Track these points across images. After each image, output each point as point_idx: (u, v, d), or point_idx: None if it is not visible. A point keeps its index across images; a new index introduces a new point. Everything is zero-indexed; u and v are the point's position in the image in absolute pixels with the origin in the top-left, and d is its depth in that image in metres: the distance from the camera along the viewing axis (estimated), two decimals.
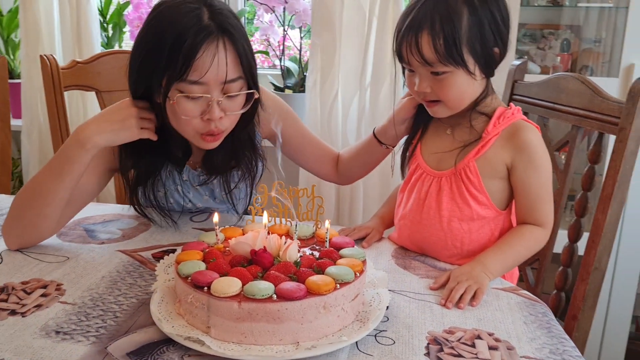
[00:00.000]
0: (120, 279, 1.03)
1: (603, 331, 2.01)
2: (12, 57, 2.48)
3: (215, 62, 1.04)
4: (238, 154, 1.25)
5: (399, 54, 1.09)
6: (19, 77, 2.42)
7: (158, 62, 1.04)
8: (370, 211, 2.02)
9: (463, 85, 1.07)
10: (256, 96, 1.14)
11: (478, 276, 1.01)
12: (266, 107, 1.25)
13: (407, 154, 1.22)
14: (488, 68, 1.08)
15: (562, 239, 1.28)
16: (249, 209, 1.12)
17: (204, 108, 1.08)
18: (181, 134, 1.14)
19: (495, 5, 1.05)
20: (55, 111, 1.65)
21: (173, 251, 1.14)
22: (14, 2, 2.43)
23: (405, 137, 1.25)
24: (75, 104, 2.21)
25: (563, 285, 1.27)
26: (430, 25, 1.02)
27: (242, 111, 1.14)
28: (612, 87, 1.78)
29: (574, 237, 1.26)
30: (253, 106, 1.17)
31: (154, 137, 1.14)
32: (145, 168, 1.22)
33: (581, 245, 1.25)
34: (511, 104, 1.13)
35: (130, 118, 1.10)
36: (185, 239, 1.21)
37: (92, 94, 1.77)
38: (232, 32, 1.07)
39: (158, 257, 1.12)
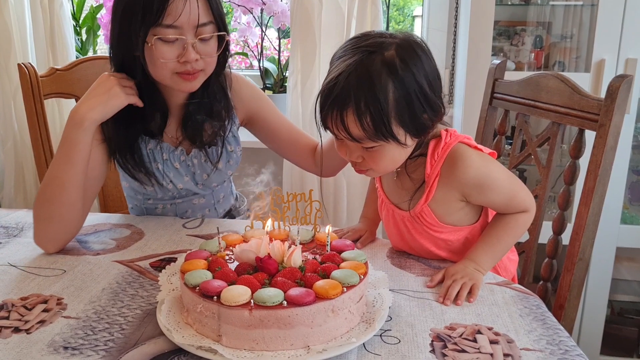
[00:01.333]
0: (121, 290, 1.03)
1: (581, 316, 2.08)
2: None
3: (187, 7, 1.13)
4: (212, 109, 1.31)
5: (325, 125, 1.03)
6: None
7: (135, 13, 1.13)
8: (354, 210, 2.05)
9: (395, 155, 1.03)
10: (227, 38, 1.23)
11: (472, 273, 1.05)
12: (242, 89, 1.37)
13: None
14: (419, 133, 1.02)
15: (546, 231, 1.33)
16: (246, 215, 1.14)
17: (180, 51, 1.16)
18: (160, 80, 1.20)
19: (420, 70, 0.98)
20: (36, 120, 1.63)
21: (170, 259, 1.15)
22: None
23: None
24: (50, 112, 2.17)
25: (549, 276, 1.32)
26: (355, 104, 0.96)
27: (216, 55, 1.22)
28: (584, 82, 1.84)
29: (558, 229, 1.31)
30: (225, 51, 1.25)
31: (140, 103, 1.21)
32: (129, 133, 1.27)
33: (565, 237, 1.30)
34: (441, 132, 1.07)
35: (113, 86, 1.17)
36: (181, 247, 1.22)
37: (69, 101, 1.75)
38: None
39: (156, 267, 1.12)
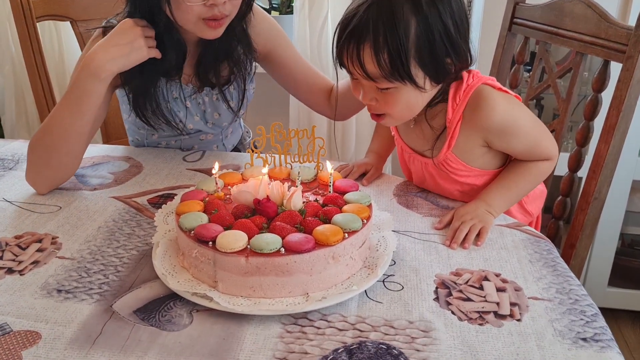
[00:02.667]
0: (117, 229, 1.00)
1: (591, 247, 2.05)
2: None
3: None
4: (232, 51, 1.24)
5: (340, 61, 0.96)
6: None
7: None
8: (363, 146, 1.99)
9: (411, 100, 0.97)
10: None
11: (482, 215, 1.00)
12: (259, 24, 1.27)
13: None
14: (440, 78, 0.96)
15: (561, 163, 1.26)
16: (247, 151, 1.08)
17: None
18: (184, 25, 1.11)
19: (447, 8, 0.90)
20: (29, 44, 1.55)
21: (169, 196, 1.12)
22: None
23: None
24: (48, 36, 2.08)
25: (561, 214, 1.27)
26: (373, 38, 0.89)
27: None
28: (611, 5, 1.71)
29: (574, 166, 1.24)
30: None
31: (159, 55, 1.13)
32: (145, 79, 1.20)
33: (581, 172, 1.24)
34: (462, 73, 1.00)
35: (138, 38, 1.08)
36: (180, 182, 1.18)
37: (66, 24, 1.67)
38: None
39: (154, 203, 1.09)
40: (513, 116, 1.00)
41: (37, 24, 1.58)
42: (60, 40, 2.09)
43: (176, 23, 1.11)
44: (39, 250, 0.94)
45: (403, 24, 0.88)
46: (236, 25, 1.19)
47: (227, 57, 1.24)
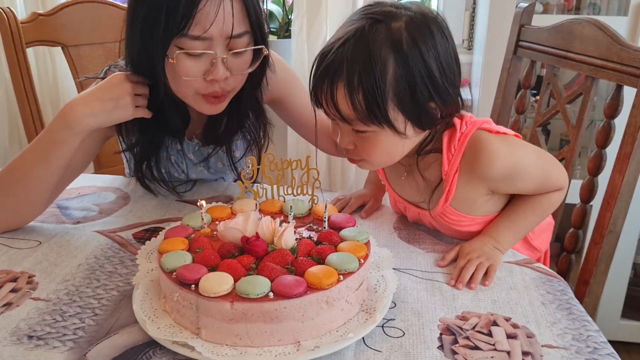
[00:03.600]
0: (98, 266, 0.93)
1: None
2: None
3: (221, 14, 0.91)
4: (243, 122, 1.14)
5: (316, 100, 0.89)
6: None
7: (158, 23, 0.91)
8: (363, 176, 1.92)
9: (390, 146, 0.89)
10: (265, 53, 1.01)
11: (490, 252, 0.93)
12: (278, 73, 1.14)
13: None
14: (424, 124, 0.88)
15: (573, 191, 1.18)
16: (237, 183, 1.01)
17: (207, 67, 0.96)
18: (182, 98, 1.02)
19: (430, 50, 0.83)
20: (18, 70, 1.51)
21: (155, 230, 1.05)
22: None
23: None
24: (42, 61, 2.04)
25: (574, 248, 1.20)
26: (347, 77, 0.82)
27: (249, 70, 1.02)
28: (620, 26, 1.66)
29: (587, 197, 1.18)
30: (262, 66, 1.04)
31: (148, 115, 1.02)
32: (149, 143, 1.11)
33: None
34: (454, 120, 0.92)
35: (125, 96, 0.98)
36: (169, 214, 1.11)
37: (59, 49, 1.62)
38: None
39: (139, 238, 1.02)
40: (516, 160, 0.92)
41: (31, 48, 1.55)
42: (54, 64, 2.05)
43: (174, 94, 1.02)
44: (13, 290, 0.87)
45: (380, 63, 0.80)
46: (246, 98, 1.09)
47: (239, 127, 1.15)
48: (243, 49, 0.97)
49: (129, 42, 0.99)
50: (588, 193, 1.17)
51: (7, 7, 1.46)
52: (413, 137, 0.89)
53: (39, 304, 0.84)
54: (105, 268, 0.93)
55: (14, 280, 0.90)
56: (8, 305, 0.83)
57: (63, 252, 0.97)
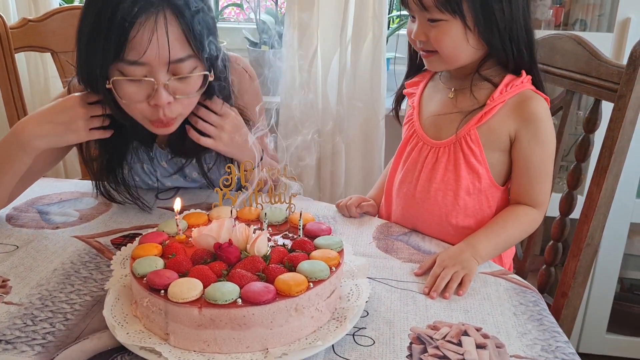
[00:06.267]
0: (74, 271, 0.93)
1: (589, 292, 1.97)
2: None
3: (155, 40, 0.89)
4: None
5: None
6: None
7: (98, 41, 0.90)
8: (352, 190, 1.93)
9: (458, 38, 0.99)
10: (210, 78, 0.99)
11: (467, 261, 0.94)
12: (244, 94, 1.14)
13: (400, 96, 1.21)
14: (487, 32, 0.99)
15: (553, 206, 1.20)
16: (215, 190, 1.01)
17: (149, 91, 0.94)
18: (133, 116, 1.01)
19: None
20: (6, 75, 1.51)
21: (134, 236, 1.05)
22: None
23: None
24: (34, 65, 2.05)
25: (553, 260, 1.20)
26: None
27: (199, 93, 1.00)
28: (606, 43, 1.67)
29: (566, 210, 1.18)
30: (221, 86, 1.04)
31: (106, 136, 1.02)
32: (111, 154, 1.10)
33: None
34: (523, 71, 1.03)
35: (76, 120, 0.98)
36: (150, 221, 1.12)
37: (49, 55, 1.63)
38: (176, 1, 0.91)
39: (117, 244, 1.02)
40: (550, 128, 1.02)
41: (19, 54, 1.55)
42: (45, 69, 2.06)
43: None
44: None
45: None
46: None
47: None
48: (187, 75, 0.95)
49: (77, 60, 0.98)
50: (567, 206, 1.18)
51: None
52: (475, 47, 1.00)
53: (11, 308, 0.83)
54: (80, 273, 0.93)
55: None
56: None
57: (39, 257, 0.97)
